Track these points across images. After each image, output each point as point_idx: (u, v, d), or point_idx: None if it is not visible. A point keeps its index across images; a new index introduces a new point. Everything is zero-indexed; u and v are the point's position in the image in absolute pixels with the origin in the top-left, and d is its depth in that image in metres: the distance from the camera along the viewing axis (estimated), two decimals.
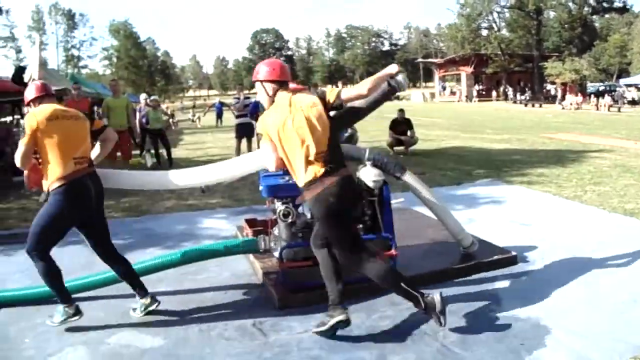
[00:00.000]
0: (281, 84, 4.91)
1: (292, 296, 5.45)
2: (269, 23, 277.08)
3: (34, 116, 4.94)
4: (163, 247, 7.70)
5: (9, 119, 23.35)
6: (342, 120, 5.13)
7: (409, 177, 6.05)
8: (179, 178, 5.90)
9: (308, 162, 4.55)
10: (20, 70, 18.33)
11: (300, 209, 5.84)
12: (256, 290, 5.89)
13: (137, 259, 7.07)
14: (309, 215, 5.76)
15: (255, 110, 14.73)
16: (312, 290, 5.44)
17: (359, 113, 5.22)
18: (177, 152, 16.62)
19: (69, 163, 4.97)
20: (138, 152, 17.37)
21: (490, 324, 4.89)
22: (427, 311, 4.67)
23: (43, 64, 22.95)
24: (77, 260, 7.24)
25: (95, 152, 5.54)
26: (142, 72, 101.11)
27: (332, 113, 4.82)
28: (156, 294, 5.59)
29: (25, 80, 18.60)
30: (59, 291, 5.18)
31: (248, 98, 16.48)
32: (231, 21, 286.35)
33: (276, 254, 5.74)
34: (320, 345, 4.59)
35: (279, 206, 5.74)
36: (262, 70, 4.90)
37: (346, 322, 4.64)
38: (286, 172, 5.67)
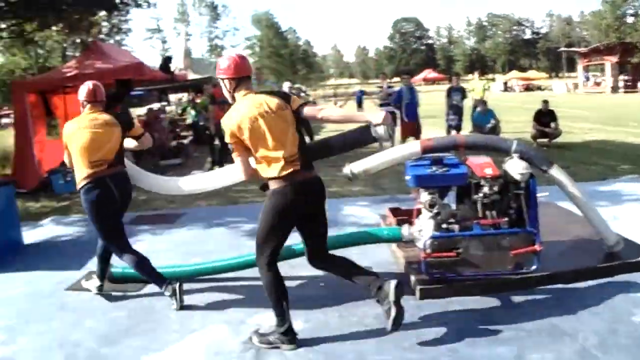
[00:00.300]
0: (239, 81, 4.81)
1: (434, 287, 5.46)
2: (410, 12, 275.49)
3: (65, 127, 5.96)
4: None
5: (156, 105, 24.35)
6: (312, 152, 5.25)
7: (555, 171, 5.91)
8: (188, 184, 6.33)
9: (276, 159, 4.59)
10: (167, 60, 19.13)
11: (445, 200, 5.86)
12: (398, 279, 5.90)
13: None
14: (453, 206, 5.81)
15: (399, 98, 14.69)
16: (453, 282, 5.48)
17: (330, 152, 5.72)
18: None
19: (86, 166, 5.62)
20: None
21: (632, 329, 4.69)
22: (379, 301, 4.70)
23: (188, 53, 23.75)
24: (223, 242, 7.50)
25: (129, 145, 6.20)
26: (284, 61, 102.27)
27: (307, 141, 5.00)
28: (297, 278, 5.87)
29: (172, 69, 19.46)
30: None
31: (391, 87, 16.45)
32: (372, 10, 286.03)
33: (419, 244, 5.73)
34: (458, 338, 4.60)
35: (425, 196, 5.72)
36: (220, 66, 4.85)
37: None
38: (433, 162, 5.75)
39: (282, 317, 4.62)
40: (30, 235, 9.02)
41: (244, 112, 4.61)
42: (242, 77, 4.80)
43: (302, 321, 5.03)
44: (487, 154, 6.37)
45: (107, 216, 5.68)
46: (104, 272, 6.11)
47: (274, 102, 4.67)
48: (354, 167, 6.26)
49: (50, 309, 5.88)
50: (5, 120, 39.40)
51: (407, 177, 5.87)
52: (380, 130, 4.81)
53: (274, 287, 4.64)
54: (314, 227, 4.93)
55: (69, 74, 14.97)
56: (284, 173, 4.57)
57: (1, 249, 7.79)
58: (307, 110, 4.80)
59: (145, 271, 5.75)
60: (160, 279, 5.67)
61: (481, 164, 5.83)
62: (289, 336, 4.63)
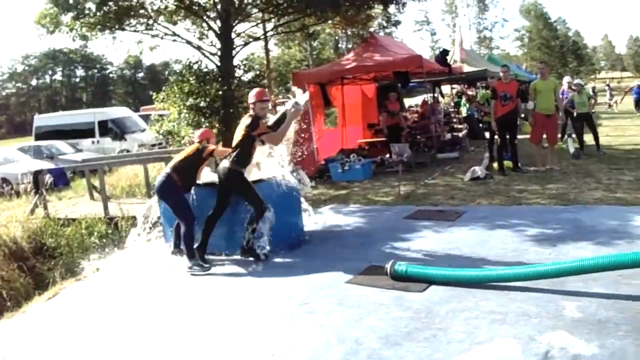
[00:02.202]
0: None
1: None
2: None
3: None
4: (594, 242, 7.34)
5: (429, 96, 24.43)
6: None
7: None
8: None
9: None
10: (444, 53, 19.16)
11: None
12: None
13: (569, 250, 7.03)
14: None
15: None
16: None
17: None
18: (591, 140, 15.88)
19: None
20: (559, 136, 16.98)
21: None
22: None
23: (461, 45, 23.54)
24: (505, 246, 7.26)
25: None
26: (554, 53, 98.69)
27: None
28: (591, 295, 5.50)
29: (449, 61, 19.41)
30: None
31: None
32: None
33: None
34: None
35: None
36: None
37: None
38: None
39: None
40: (309, 222, 9.34)
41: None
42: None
43: (595, 345, 4.62)
44: None
45: None
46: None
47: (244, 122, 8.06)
48: None
49: (329, 301, 6.02)
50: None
51: None
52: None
53: None
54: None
55: (348, 66, 15.51)
56: None
57: (283, 236, 8.08)
58: (267, 139, 8.10)
59: None
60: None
61: None
62: None
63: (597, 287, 5.72)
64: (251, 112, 8.06)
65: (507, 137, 13.12)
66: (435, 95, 25.36)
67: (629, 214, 8.70)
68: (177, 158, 8.19)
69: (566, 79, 19.62)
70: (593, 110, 18.47)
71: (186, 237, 7.72)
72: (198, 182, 8.22)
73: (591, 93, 21.16)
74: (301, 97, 8.30)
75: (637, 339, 4.70)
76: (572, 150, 15.14)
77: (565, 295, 5.63)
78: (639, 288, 5.72)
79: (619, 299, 5.52)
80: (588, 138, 15.53)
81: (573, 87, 16.75)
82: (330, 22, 21.21)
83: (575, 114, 16.00)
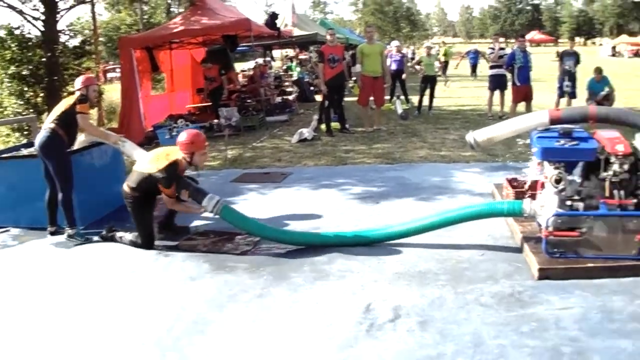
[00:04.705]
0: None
1: (553, 267, 5.08)
2: None
3: None
4: (417, 197, 7.65)
5: (261, 60, 24.39)
6: None
7: None
8: None
9: None
10: (274, 16, 19.10)
11: (571, 176, 5.47)
12: (513, 256, 5.56)
13: (393, 207, 7.28)
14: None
15: (511, 61, 14.25)
16: (574, 263, 5.11)
17: None
18: (426, 101, 16.50)
19: None
20: (388, 97, 17.38)
21: None
22: None
23: (294, 10, 23.67)
24: (330, 204, 7.37)
25: None
26: (388, 18, 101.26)
27: None
28: (412, 247, 5.74)
29: (278, 25, 19.39)
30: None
31: (503, 49, 15.91)
32: None
33: (541, 220, 5.40)
34: (579, 327, 4.21)
35: (551, 170, 5.35)
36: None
37: None
38: (561, 135, 5.43)
39: None
40: None
41: None
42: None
43: (416, 295, 4.77)
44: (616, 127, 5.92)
45: None
46: None
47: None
48: (477, 135, 5.98)
49: (154, 268, 5.82)
50: (111, 75, 40.58)
51: (534, 149, 5.54)
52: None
53: None
54: None
55: (175, 30, 15.20)
56: None
57: (109, 203, 7.78)
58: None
59: None
60: None
61: (612, 139, 5.40)
62: None
63: (417, 240, 5.91)
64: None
65: (335, 98, 13.28)
66: (267, 59, 25.39)
67: (452, 170, 9.18)
68: (57, 110, 7.07)
69: (394, 43, 20.05)
70: (439, 73, 19.19)
71: (66, 202, 6.84)
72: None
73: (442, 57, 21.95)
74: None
75: (455, 287, 4.92)
76: (399, 111, 15.54)
77: (386, 249, 5.79)
78: (458, 239, 6.01)
79: (440, 248, 5.79)
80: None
81: (429, 51, 17.41)
82: None
83: (422, 75, 16.61)
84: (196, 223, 6.78)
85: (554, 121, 5.70)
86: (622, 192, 5.31)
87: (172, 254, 6.08)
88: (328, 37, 13.55)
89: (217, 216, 6.03)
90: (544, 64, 27.05)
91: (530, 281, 5.00)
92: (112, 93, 21.13)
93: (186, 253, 6.06)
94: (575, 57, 15.48)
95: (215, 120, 14.51)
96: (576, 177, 5.46)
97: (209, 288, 5.14)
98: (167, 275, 5.53)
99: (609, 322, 4.28)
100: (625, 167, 5.28)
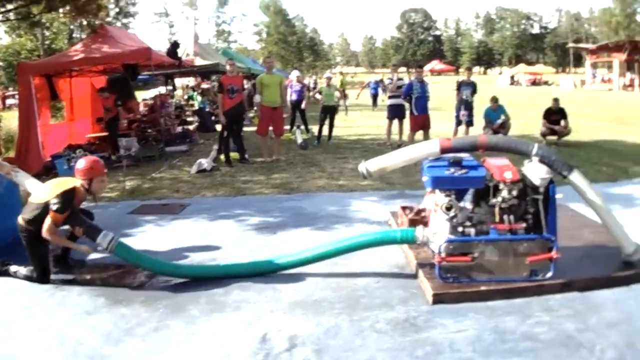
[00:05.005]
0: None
1: (447, 292, 5.29)
2: (418, 3, 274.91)
3: None
4: (314, 227, 7.77)
5: (162, 89, 24.24)
6: None
7: (576, 177, 5.76)
8: None
9: None
10: (175, 45, 19.06)
11: (461, 203, 5.70)
12: (409, 282, 5.73)
13: (290, 237, 7.34)
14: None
15: (409, 91, 14.62)
16: (467, 287, 5.33)
17: None
18: (325, 131, 16.74)
19: None
20: (288, 127, 17.55)
21: None
22: None
23: (196, 39, 23.67)
24: (227, 235, 7.48)
25: None
26: (291, 48, 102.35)
27: None
28: (308, 276, 5.82)
29: (180, 54, 19.35)
30: None
31: (401, 79, 16.33)
32: (379, 0, 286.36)
33: (433, 246, 5.60)
34: (473, 348, 4.41)
35: (442, 198, 5.57)
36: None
37: None
38: (451, 164, 5.67)
39: None
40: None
41: None
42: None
43: (312, 324, 4.87)
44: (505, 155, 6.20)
45: None
46: None
47: None
48: (369, 164, 6.12)
49: (50, 303, 5.69)
50: (10, 102, 39.54)
51: (424, 178, 5.74)
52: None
53: None
54: None
55: (75, 57, 14.92)
56: None
57: (3, 236, 7.59)
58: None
59: None
60: None
61: (501, 167, 5.66)
62: None
63: (314, 269, 6.02)
64: None
65: (234, 128, 13.34)
66: (168, 88, 25.26)
67: (350, 199, 9.37)
68: None
69: (294, 73, 20.32)
70: (339, 103, 19.44)
71: None
72: None
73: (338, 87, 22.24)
74: None
75: (351, 314, 5.04)
76: (299, 141, 15.72)
77: (283, 279, 5.86)
78: (354, 267, 6.15)
79: (336, 277, 5.91)
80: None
81: (329, 81, 17.63)
82: (60, 10, 20.29)
83: (322, 105, 16.78)
84: (93, 256, 6.67)
85: (444, 150, 5.89)
86: (511, 217, 5.57)
87: (68, 288, 5.95)
88: (228, 67, 13.62)
89: (111, 253, 5.99)
90: (444, 93, 27.73)
91: (425, 306, 5.17)
92: (11, 121, 20.57)
93: (82, 287, 5.94)
94: (473, 87, 16.04)
95: (115, 154, 14.36)
96: (467, 203, 5.68)
97: (105, 322, 5.07)
98: (62, 309, 5.42)
99: (501, 343, 4.48)
100: (514, 193, 5.54)
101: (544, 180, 5.51)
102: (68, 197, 5.93)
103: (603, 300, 5.23)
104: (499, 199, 5.56)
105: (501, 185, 5.57)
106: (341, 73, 35.96)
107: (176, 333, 4.82)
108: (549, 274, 5.38)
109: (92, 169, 6.19)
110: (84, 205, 6.59)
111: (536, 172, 5.54)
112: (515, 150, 5.90)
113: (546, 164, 5.63)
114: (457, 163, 5.69)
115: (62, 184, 6.15)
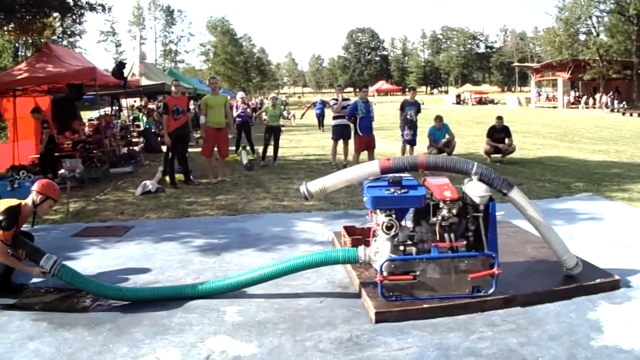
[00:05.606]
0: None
1: (390, 310, 5.35)
2: (365, 22, 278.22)
3: None
4: (258, 248, 7.81)
5: (108, 110, 24.03)
6: None
7: (516, 194, 5.89)
8: None
9: None
10: (121, 66, 18.92)
11: (403, 221, 5.77)
12: (352, 301, 5.81)
13: (234, 258, 7.36)
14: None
15: (353, 112, 14.72)
16: (410, 305, 5.40)
17: None
18: (270, 151, 16.77)
19: None
20: (233, 148, 17.53)
21: (591, 355, 4.61)
22: None
23: (143, 59, 23.52)
24: (171, 258, 7.48)
25: None
26: (238, 68, 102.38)
27: None
28: (252, 297, 5.84)
29: (125, 74, 19.24)
30: None
31: (347, 100, 16.43)
32: (327, 20, 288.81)
33: (375, 265, 5.67)
34: None
35: (382, 218, 5.64)
36: None
37: None
38: (391, 184, 5.72)
39: None
40: None
41: None
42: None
43: (255, 345, 4.89)
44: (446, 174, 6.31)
45: None
46: None
47: None
48: (310, 186, 6.16)
49: None
50: None
51: (365, 198, 5.81)
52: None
53: None
54: None
55: (19, 77, 14.76)
56: None
57: None
58: None
59: None
60: None
61: (440, 186, 5.78)
62: None
63: (257, 290, 6.05)
64: None
65: (179, 149, 13.31)
66: (114, 108, 25.07)
67: (294, 220, 9.41)
68: None
69: (240, 94, 20.39)
70: (283, 124, 19.50)
71: None
72: None
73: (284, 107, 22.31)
74: None
75: (294, 335, 5.07)
76: (245, 161, 15.74)
77: (226, 300, 5.87)
78: (298, 288, 6.21)
79: (279, 298, 5.94)
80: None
81: (273, 102, 17.58)
82: (4, 28, 20.03)
83: (268, 126, 16.69)
84: (34, 280, 6.58)
85: (384, 171, 5.97)
86: (452, 235, 5.68)
87: (9, 313, 5.85)
88: (173, 88, 13.58)
89: (54, 277, 5.92)
90: (390, 113, 28.07)
91: (368, 325, 5.23)
92: None
93: (24, 312, 5.84)
94: (417, 107, 16.24)
95: (61, 171, 14.17)
96: (407, 222, 5.77)
97: (48, 347, 5.01)
98: (3, 335, 5.32)
99: (445, 359, 4.55)
100: (454, 211, 5.67)
101: (484, 198, 5.63)
102: (14, 214, 5.86)
103: (545, 314, 5.37)
104: (439, 217, 5.68)
105: (441, 204, 5.68)
106: (279, 93, 36.03)
107: (120, 357, 4.79)
108: (491, 290, 5.49)
109: (54, 190, 6.28)
110: (24, 227, 6.48)
111: (476, 190, 5.66)
112: (455, 169, 6.00)
113: (486, 182, 5.76)
114: (396, 183, 5.76)
115: (6, 202, 6.06)
